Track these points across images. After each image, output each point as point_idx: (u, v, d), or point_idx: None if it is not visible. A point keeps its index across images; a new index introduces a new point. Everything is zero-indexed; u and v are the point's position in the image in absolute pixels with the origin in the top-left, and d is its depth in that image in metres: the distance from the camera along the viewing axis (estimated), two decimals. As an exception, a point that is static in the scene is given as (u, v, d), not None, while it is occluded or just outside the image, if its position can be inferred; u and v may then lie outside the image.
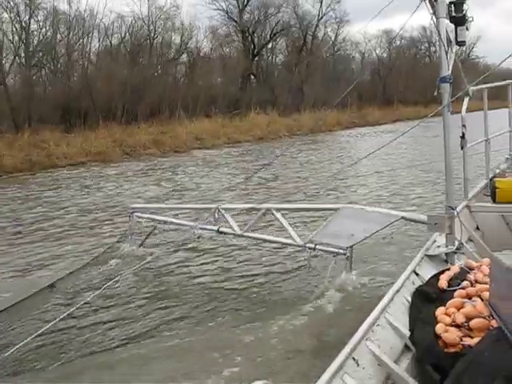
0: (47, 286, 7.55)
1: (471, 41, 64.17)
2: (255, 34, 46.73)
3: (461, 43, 4.75)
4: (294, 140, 30.24)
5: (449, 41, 4.67)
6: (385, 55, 60.38)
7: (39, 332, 5.40)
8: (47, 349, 5.86)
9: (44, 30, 31.53)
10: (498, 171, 7.19)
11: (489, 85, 6.61)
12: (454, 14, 4.65)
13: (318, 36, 51.21)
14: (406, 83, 54.70)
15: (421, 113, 39.12)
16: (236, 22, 46.12)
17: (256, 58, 46.57)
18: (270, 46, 48.53)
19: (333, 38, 53.38)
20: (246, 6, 46.48)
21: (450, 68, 4.67)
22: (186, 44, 40.49)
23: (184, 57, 40.46)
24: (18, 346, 5.13)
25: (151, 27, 37.59)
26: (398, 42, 60.09)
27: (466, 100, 5.76)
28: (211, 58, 43.35)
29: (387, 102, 51.18)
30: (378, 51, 59.23)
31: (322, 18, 50.05)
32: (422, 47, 62.33)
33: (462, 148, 5.66)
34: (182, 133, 29.08)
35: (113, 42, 36.65)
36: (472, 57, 64.90)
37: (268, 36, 47.20)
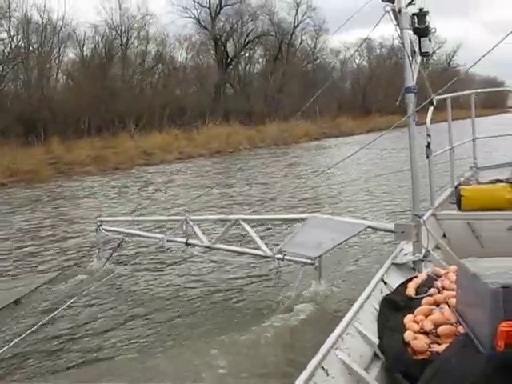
0: (12, 301, 7.40)
1: (452, 49, 65.47)
2: (229, 43, 46.17)
3: (424, 54, 4.83)
4: (252, 154, 29.08)
5: (413, 51, 4.75)
6: (364, 63, 60.36)
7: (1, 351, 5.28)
8: (9, 366, 5.73)
9: (13, 39, 31.09)
10: (462, 179, 7.31)
11: (452, 94, 6.71)
12: (417, 25, 4.73)
13: (295, 44, 50.89)
14: (386, 92, 51.83)
15: (395, 122, 38.85)
16: (208, 30, 45.40)
17: (230, 67, 45.94)
18: (247, 54, 48.06)
19: (311, 46, 53.07)
20: (218, 13, 45.83)
21: (415, 78, 4.73)
22: (160, 54, 40.18)
23: (158, 67, 40.12)
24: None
25: (123, 36, 37.30)
26: (378, 51, 60.24)
27: (431, 109, 5.83)
28: (185, 67, 42.83)
29: (366, 111, 50.25)
30: (358, 60, 58.79)
31: (298, 25, 49.79)
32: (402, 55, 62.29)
33: (427, 157, 5.73)
34: (130, 147, 27.08)
35: (84, 53, 36.20)
36: (453, 65, 65.94)
37: (242, 44, 46.57)
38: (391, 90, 49.66)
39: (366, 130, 42.53)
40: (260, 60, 50.62)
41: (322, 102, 39.28)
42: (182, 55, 43.59)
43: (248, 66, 48.78)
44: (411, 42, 4.80)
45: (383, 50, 59.96)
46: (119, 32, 37.28)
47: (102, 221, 9.15)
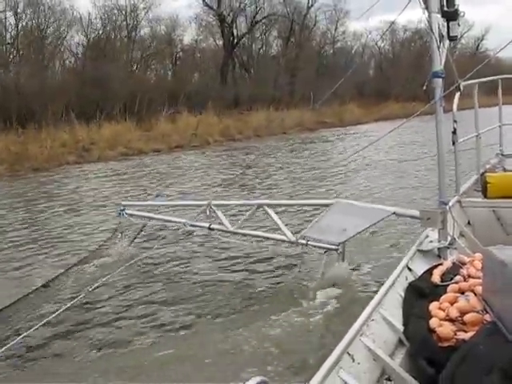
0: (41, 285, 7.54)
1: (480, 33, 62.37)
2: (238, 23, 43.01)
3: (453, 38, 4.75)
4: (219, 149, 25.44)
5: (441, 36, 4.67)
6: (387, 46, 56.93)
7: (28, 332, 5.38)
8: (36, 349, 5.83)
9: (19, 21, 30.42)
10: (488, 166, 7.21)
11: (479, 80, 6.60)
12: (446, 8, 4.64)
13: (309, 26, 47.84)
14: (408, 77, 48.46)
15: (412, 109, 35.22)
16: (213, 9, 42.03)
17: (236, 49, 42.64)
18: (259, 36, 45.20)
19: (328, 29, 50.18)
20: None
21: (442, 63, 4.67)
22: (170, 34, 38.65)
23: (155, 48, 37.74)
24: (10, 344, 5.12)
25: (129, 19, 36.02)
26: (402, 34, 56.93)
27: (457, 95, 5.75)
28: (191, 50, 40.84)
29: (386, 98, 46.32)
30: (380, 44, 54.40)
31: (312, 5, 46.32)
32: (429, 39, 57.93)
33: (453, 143, 5.67)
34: (67, 141, 23.17)
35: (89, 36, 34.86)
36: (481, 49, 62.63)
37: (250, 25, 43.29)
38: (414, 75, 46.08)
39: (374, 118, 38.38)
40: (273, 42, 47.52)
41: (343, 88, 35.85)
42: (186, 37, 41.43)
43: (260, 49, 45.62)
44: (439, 26, 4.72)
45: (407, 33, 56.94)
46: (125, 13, 35.64)
47: (125, 205, 9.22)
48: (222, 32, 42.05)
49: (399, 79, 50.55)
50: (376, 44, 53.15)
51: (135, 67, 35.71)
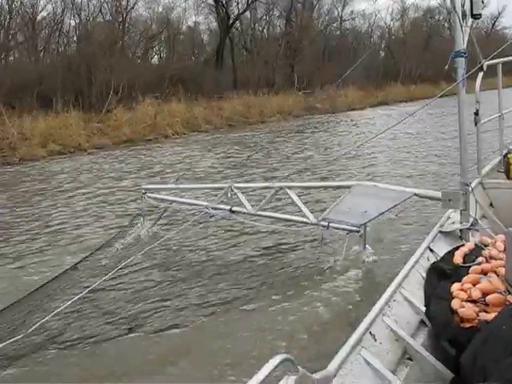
0: (71, 267, 7.67)
1: (497, 10, 59.90)
2: (238, 2, 39.85)
3: (476, 16, 4.65)
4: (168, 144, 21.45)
5: (464, 14, 4.59)
6: (397, 24, 53.71)
7: (55, 312, 5.46)
8: (67, 328, 5.96)
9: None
10: (511, 147, 7.12)
11: (504, 59, 6.48)
12: (469, -15, 4.56)
13: (312, 4, 45.01)
14: (420, 58, 46.38)
15: (416, 93, 34.87)
16: None
17: (232, 31, 39.58)
18: (265, 17, 42.33)
19: (336, 8, 47.47)
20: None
21: (465, 42, 4.59)
22: (166, 18, 35.87)
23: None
24: (36, 326, 5.22)
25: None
26: (413, 13, 54.12)
27: (480, 75, 5.67)
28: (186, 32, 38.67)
29: (394, 80, 43.73)
30: (389, 23, 52.10)
31: None
32: (441, 18, 53.19)
33: (475, 124, 5.60)
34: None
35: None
36: (497, 28, 60.43)
37: (246, 4, 39.81)
38: (426, 56, 45.01)
39: (371, 104, 35.04)
40: (276, 23, 44.12)
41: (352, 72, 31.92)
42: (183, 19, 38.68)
43: (263, 30, 42.71)
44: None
45: (418, 11, 54.02)
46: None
47: (146, 188, 9.27)
48: (216, 12, 39.23)
49: (409, 60, 47.65)
50: (385, 24, 51.45)
51: (128, 52, 33.09)
